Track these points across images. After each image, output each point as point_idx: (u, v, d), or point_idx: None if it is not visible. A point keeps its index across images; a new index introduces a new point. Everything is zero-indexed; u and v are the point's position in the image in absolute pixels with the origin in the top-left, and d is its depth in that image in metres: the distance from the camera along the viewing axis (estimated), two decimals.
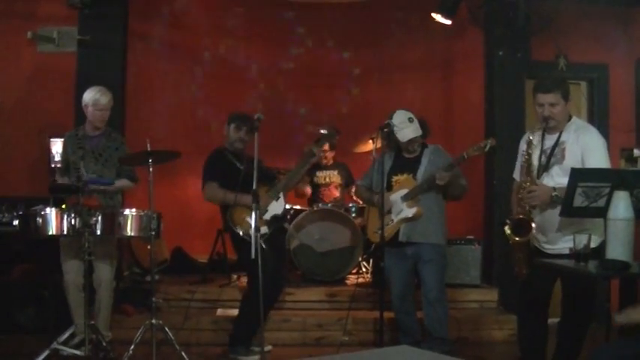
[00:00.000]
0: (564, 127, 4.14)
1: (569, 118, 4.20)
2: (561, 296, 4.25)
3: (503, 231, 4.17)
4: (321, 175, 7.36)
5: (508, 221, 4.15)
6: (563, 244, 4.00)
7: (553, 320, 4.28)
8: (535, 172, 4.13)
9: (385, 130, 4.92)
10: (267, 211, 5.14)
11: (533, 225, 4.05)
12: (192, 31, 8.20)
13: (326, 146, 7.35)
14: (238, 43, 8.53)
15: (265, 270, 4.47)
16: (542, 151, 4.17)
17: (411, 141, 4.97)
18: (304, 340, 5.69)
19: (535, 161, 4.15)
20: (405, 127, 4.90)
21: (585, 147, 4.02)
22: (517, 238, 4.10)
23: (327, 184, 7.30)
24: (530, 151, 4.13)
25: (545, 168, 4.12)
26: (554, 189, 3.96)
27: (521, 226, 4.09)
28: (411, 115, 4.94)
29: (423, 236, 4.92)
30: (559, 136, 4.12)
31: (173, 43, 8.02)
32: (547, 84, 4.14)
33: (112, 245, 5.05)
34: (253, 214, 4.38)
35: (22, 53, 6.26)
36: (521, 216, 4.08)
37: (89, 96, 5.07)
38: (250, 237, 4.63)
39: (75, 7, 6.11)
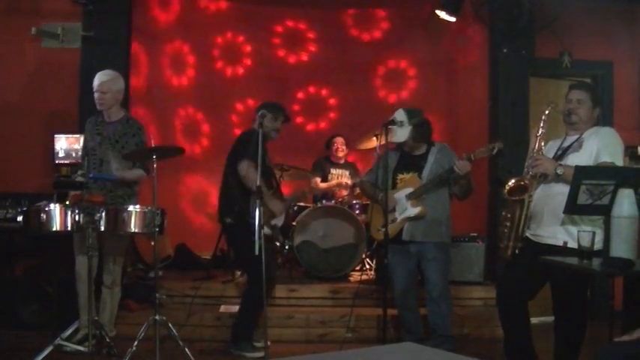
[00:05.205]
0: (586, 130, 4.12)
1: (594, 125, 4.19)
2: (552, 298, 4.20)
3: (502, 186, 4.17)
4: (335, 174, 7.41)
5: (511, 181, 4.12)
6: (559, 235, 3.97)
7: (542, 319, 4.23)
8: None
9: (389, 127, 4.92)
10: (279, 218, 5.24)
11: (527, 182, 4.03)
12: (196, 26, 8.21)
13: (340, 140, 7.45)
14: (246, 38, 8.55)
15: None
16: (559, 148, 4.16)
17: (403, 143, 5.00)
18: (307, 337, 5.70)
19: (551, 156, 4.14)
20: (397, 128, 4.92)
21: (601, 142, 4.00)
22: (510, 197, 4.09)
23: (339, 184, 7.34)
24: (546, 116, 4.13)
25: (560, 157, 4.08)
26: (560, 164, 3.95)
27: (519, 190, 4.08)
28: (404, 119, 4.94)
29: (427, 236, 4.92)
30: (579, 136, 4.10)
31: (177, 39, 8.03)
32: (580, 83, 4.25)
33: (119, 242, 5.05)
34: (257, 210, 4.38)
35: (27, 49, 6.27)
36: (524, 182, 4.06)
37: None
38: (266, 235, 4.77)
39: (79, 3, 6.13)
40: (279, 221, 5.32)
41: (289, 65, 8.67)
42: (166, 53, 7.91)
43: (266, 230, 4.88)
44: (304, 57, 8.68)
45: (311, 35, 8.69)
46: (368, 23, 8.60)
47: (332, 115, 8.78)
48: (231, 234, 5.27)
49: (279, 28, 8.62)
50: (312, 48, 8.70)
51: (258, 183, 4.46)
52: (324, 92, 8.78)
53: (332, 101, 8.79)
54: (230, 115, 8.47)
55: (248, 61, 8.57)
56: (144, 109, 7.23)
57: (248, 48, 8.54)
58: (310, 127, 8.76)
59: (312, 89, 8.72)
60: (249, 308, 5.15)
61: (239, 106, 8.48)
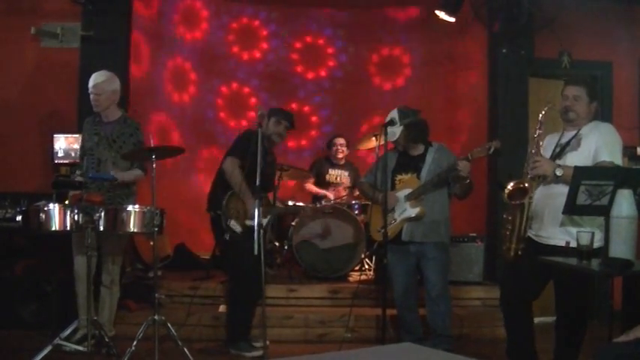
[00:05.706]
0: (584, 125, 4.11)
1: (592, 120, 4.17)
2: (555, 297, 4.21)
3: (502, 190, 4.16)
4: (333, 174, 7.41)
5: (510, 184, 4.12)
6: (560, 236, 3.97)
7: (542, 319, 4.22)
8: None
9: (388, 127, 4.92)
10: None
11: (526, 185, 4.03)
12: (197, 26, 8.21)
13: (341, 141, 7.44)
14: (247, 38, 8.55)
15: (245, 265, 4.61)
16: (557, 144, 4.16)
17: (396, 141, 5.01)
18: (307, 337, 5.70)
19: (549, 153, 4.14)
20: (390, 127, 4.93)
21: (600, 140, 3.99)
22: (510, 201, 4.09)
23: (337, 184, 7.34)
24: (543, 116, 4.12)
25: (558, 155, 4.08)
26: (559, 165, 3.94)
27: (518, 193, 4.07)
28: (394, 117, 4.95)
29: (426, 236, 4.91)
30: (577, 132, 4.10)
31: (177, 38, 8.03)
32: (575, 78, 4.30)
33: (118, 242, 5.04)
34: (256, 210, 4.38)
35: (26, 49, 6.27)
36: (523, 184, 4.05)
37: None
38: (234, 230, 4.87)
39: (78, 3, 6.13)
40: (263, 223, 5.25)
41: (288, 67, 8.71)
42: (167, 52, 7.92)
43: (233, 225, 4.89)
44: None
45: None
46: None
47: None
48: (213, 226, 5.29)
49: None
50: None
51: (257, 182, 4.45)
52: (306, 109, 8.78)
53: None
54: (231, 114, 8.50)
55: (253, 62, 8.61)
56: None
57: (251, 49, 8.59)
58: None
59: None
60: (233, 306, 5.16)
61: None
